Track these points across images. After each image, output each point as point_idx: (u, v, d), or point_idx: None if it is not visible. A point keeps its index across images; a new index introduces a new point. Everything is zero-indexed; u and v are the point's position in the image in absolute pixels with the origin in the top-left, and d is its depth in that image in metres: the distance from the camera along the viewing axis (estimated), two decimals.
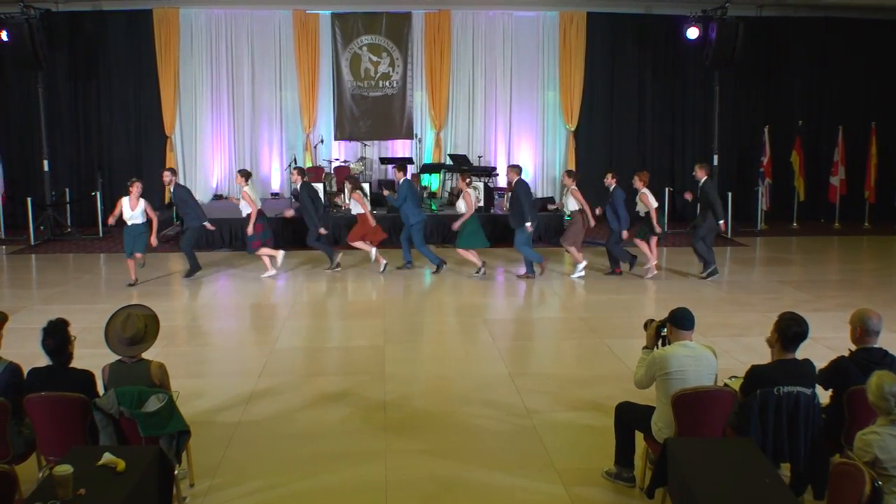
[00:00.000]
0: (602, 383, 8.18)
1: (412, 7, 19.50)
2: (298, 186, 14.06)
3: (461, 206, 13.61)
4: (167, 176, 13.66)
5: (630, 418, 5.91)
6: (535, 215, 13.54)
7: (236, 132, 19.82)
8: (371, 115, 19.72)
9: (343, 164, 18.77)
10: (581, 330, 10.36)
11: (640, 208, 13.28)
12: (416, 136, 19.72)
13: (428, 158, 19.58)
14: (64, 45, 18.90)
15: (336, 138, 19.80)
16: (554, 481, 6.03)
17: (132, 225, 12.71)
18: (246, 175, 13.55)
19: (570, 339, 10.14)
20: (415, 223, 13.69)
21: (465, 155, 18.76)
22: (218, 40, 19.49)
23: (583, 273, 13.47)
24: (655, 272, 13.46)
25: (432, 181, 18.65)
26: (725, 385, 5.73)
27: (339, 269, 13.99)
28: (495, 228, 15.82)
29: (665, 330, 5.82)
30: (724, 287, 12.92)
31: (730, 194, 17.56)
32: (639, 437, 5.91)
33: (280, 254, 13.71)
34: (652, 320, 6.04)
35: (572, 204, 13.42)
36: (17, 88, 19.02)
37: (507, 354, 9.30)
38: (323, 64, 19.57)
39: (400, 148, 19.92)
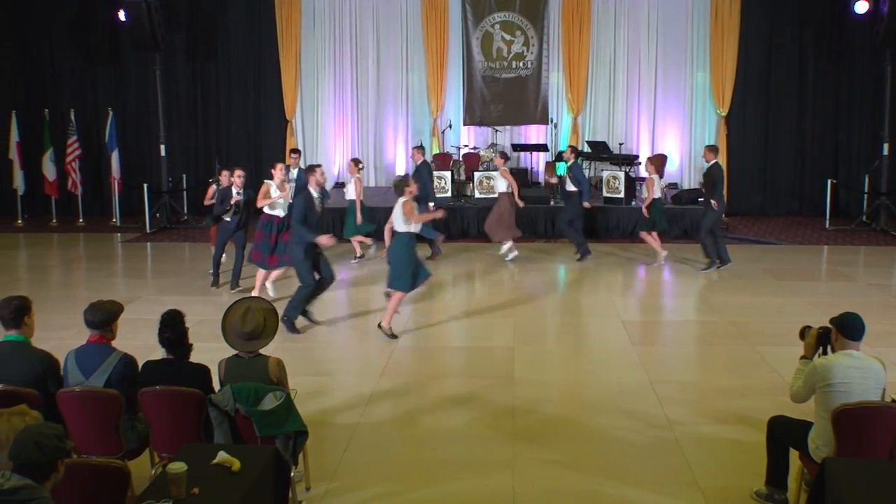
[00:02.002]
0: (752, 394, 8.01)
1: None
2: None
3: (350, 192, 14.32)
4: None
5: (784, 434, 5.77)
6: (434, 195, 14.54)
7: (359, 116, 20.10)
8: (503, 98, 19.66)
9: (472, 150, 18.83)
10: (729, 335, 10.13)
11: (643, 195, 14.02)
12: (552, 122, 19.57)
13: (564, 145, 19.33)
14: (182, 25, 19.55)
15: (465, 123, 19.83)
16: (697, 501, 5.93)
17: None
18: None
19: (716, 344, 9.92)
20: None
21: (604, 142, 18.58)
22: (341, 19, 19.79)
23: (514, 255, 14.37)
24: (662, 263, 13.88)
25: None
26: (894, 401, 5.54)
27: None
28: (632, 220, 15.93)
29: (830, 337, 5.63)
30: (893, 291, 12.47)
31: None
32: (793, 455, 5.76)
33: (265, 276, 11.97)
34: (809, 327, 5.87)
35: (501, 186, 14.17)
36: (134, 71, 19.74)
37: (647, 359, 9.18)
38: (452, 44, 19.58)
39: (534, 133, 19.85)
